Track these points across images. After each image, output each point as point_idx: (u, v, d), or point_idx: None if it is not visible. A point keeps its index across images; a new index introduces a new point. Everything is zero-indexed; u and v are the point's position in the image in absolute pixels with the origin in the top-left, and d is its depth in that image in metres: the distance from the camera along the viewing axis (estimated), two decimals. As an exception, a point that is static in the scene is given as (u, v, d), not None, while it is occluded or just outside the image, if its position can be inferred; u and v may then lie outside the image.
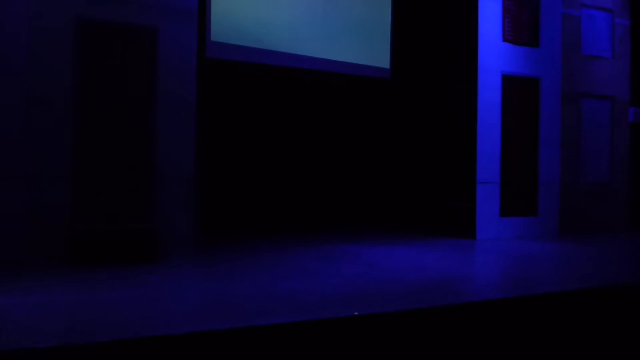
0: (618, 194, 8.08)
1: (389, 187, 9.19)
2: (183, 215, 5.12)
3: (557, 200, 7.12)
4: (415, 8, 9.45)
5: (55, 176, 4.66)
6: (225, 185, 7.68)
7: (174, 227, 5.05)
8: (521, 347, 3.54)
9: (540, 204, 7.04)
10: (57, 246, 4.60)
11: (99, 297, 3.49)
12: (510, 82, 6.84)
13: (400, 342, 3.17)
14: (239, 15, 7.81)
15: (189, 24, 5.23)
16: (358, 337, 3.07)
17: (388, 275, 4.39)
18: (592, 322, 3.85)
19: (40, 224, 4.58)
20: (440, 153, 9.12)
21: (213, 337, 2.75)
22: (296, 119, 8.39)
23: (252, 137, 8.03)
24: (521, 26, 6.94)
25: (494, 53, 6.73)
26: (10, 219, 4.49)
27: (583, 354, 3.72)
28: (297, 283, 3.97)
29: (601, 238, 7.07)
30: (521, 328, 3.58)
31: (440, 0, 9.20)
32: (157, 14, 5.07)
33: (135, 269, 4.33)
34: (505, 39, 6.82)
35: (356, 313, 3.09)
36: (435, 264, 4.95)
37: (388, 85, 9.26)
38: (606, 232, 7.59)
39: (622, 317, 3.97)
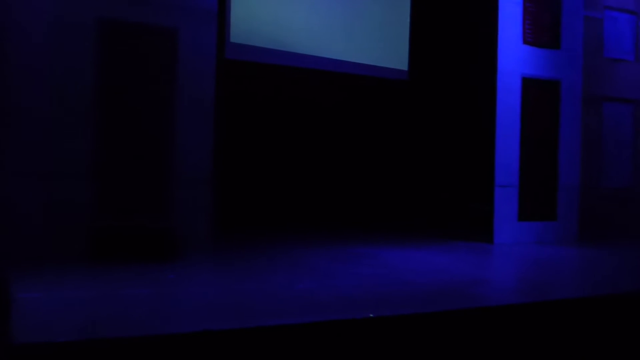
0: (640, 199, 7.95)
1: (407, 188, 9.15)
2: (201, 214, 5.17)
3: (577, 204, 7.02)
4: (434, 10, 9.40)
5: (76, 175, 4.74)
6: (243, 185, 7.73)
7: (192, 226, 5.10)
8: (538, 352, 3.50)
9: (560, 208, 6.94)
10: (78, 243, 4.68)
11: (118, 293, 3.55)
12: (530, 85, 6.77)
13: (415, 344, 3.16)
14: (258, 17, 7.86)
15: (209, 26, 5.28)
16: (373, 339, 3.07)
17: (404, 277, 4.38)
18: (611, 329, 3.79)
19: (62, 221, 4.66)
20: (458, 155, 9.06)
21: (228, 336, 2.77)
22: (314, 120, 8.41)
23: (270, 138, 8.06)
24: (542, 28, 6.86)
25: (514, 55, 6.66)
26: (33, 216, 4.58)
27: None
28: (313, 283, 3.98)
29: (622, 243, 6.95)
30: (538, 333, 3.54)
31: (460, 2, 9.14)
32: (177, 15, 5.13)
33: (153, 267, 4.38)
34: (525, 41, 6.75)
35: (371, 315, 3.09)
36: (451, 267, 4.92)
37: (406, 86, 9.23)
38: (627, 238, 7.46)
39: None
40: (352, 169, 8.71)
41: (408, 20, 9.23)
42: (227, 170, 7.18)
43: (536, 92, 6.83)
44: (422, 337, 3.19)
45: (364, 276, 4.38)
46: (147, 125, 5.07)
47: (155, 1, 5.04)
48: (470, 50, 8.91)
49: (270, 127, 8.07)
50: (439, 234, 7.24)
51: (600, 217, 7.47)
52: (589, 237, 7.06)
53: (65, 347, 2.49)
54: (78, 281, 3.91)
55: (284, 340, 2.87)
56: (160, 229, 4.93)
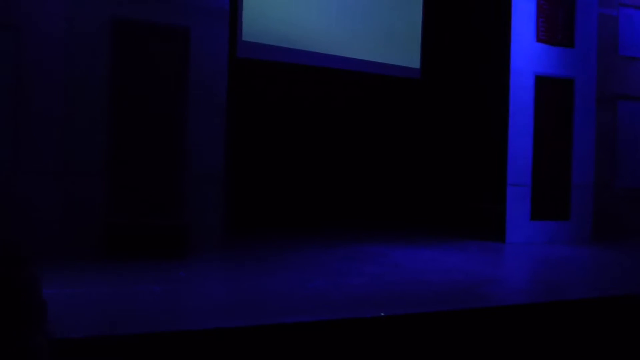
0: (655, 199, 7.84)
1: (418, 187, 9.12)
2: (212, 212, 5.19)
3: (591, 204, 6.94)
4: (446, 7, 9.35)
5: (90, 173, 4.78)
6: (254, 183, 7.75)
7: (203, 224, 5.12)
8: (551, 352, 3.48)
9: (573, 208, 6.87)
10: (92, 241, 4.72)
11: (130, 290, 3.57)
12: (543, 83, 6.70)
13: (427, 344, 3.15)
14: (270, 15, 7.86)
15: (221, 24, 5.29)
16: (385, 338, 3.06)
17: (415, 276, 4.36)
18: (624, 330, 3.75)
19: (75, 219, 4.70)
20: (470, 154, 9.01)
21: (238, 334, 2.78)
22: (326, 118, 8.40)
23: (282, 136, 8.07)
24: (556, 26, 6.78)
25: (527, 53, 6.60)
26: (47, 212, 4.62)
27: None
28: (323, 282, 3.98)
29: (636, 244, 6.87)
30: (551, 334, 3.51)
31: (473, 0, 9.08)
32: (189, 14, 5.15)
33: (165, 264, 4.41)
34: (539, 39, 6.68)
35: (382, 314, 3.09)
36: (462, 267, 4.89)
37: (418, 85, 9.19)
38: (642, 238, 7.38)
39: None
40: (363, 167, 8.69)
41: (420, 18, 9.19)
42: (239, 168, 7.20)
43: (549, 90, 6.76)
44: (434, 336, 3.18)
45: (375, 275, 4.37)
46: (159, 123, 5.10)
47: (166, 0, 5.06)
48: (483, 49, 8.85)
49: (282, 125, 8.07)
50: (450, 233, 7.21)
51: (614, 217, 7.39)
52: (602, 238, 6.98)
53: (78, 343, 2.52)
54: (90, 278, 3.95)
55: (296, 339, 2.87)
56: (173, 226, 4.96)
